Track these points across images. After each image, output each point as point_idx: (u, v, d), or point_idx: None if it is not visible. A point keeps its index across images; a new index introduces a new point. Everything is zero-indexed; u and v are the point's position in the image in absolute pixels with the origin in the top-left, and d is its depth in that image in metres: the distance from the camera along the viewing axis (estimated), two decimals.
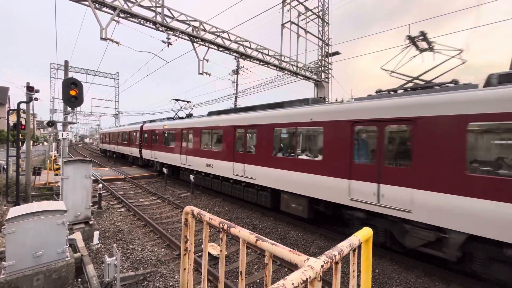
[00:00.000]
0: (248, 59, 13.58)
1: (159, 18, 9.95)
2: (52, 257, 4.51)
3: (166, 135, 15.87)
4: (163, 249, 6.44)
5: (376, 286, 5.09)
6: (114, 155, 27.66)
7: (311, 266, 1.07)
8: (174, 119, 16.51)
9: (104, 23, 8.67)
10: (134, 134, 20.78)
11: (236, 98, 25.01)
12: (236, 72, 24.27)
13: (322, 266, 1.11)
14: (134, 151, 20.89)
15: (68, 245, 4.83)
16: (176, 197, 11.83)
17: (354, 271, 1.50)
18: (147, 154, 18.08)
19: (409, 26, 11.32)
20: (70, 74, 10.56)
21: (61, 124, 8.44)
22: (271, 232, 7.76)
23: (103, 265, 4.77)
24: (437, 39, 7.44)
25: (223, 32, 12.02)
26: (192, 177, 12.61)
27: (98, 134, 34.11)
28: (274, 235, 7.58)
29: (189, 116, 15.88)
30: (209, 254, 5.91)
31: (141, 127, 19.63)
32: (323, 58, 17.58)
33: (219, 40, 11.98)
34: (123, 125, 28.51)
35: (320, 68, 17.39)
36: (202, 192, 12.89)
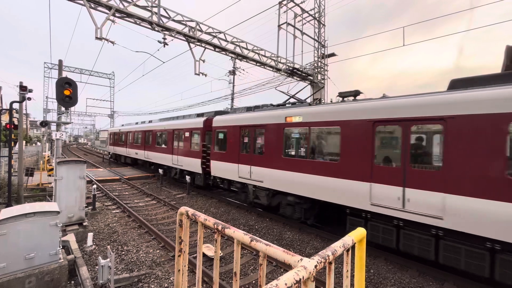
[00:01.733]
0: (245, 60, 13.59)
1: (155, 18, 9.90)
2: (44, 259, 4.45)
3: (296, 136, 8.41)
4: (158, 251, 6.39)
5: (371, 286, 5.12)
6: (139, 164, 20.86)
7: (304, 266, 1.08)
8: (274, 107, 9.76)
9: (99, 22, 8.60)
10: (188, 134, 13.15)
11: (232, 99, 24.99)
12: (233, 72, 24.26)
13: (316, 266, 1.12)
14: (187, 163, 13.04)
15: (61, 247, 4.77)
16: (172, 198, 11.76)
17: (347, 271, 1.51)
18: (235, 170, 10.00)
19: (404, 28, 11.48)
20: (64, 74, 10.43)
21: (55, 124, 8.34)
22: (267, 233, 7.76)
23: (97, 267, 4.71)
24: (432, 42, 7.54)
25: (220, 32, 12.02)
26: (187, 177, 12.54)
27: (108, 133, 28.47)
28: (270, 236, 7.58)
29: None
30: (204, 255, 5.89)
31: (207, 120, 12.16)
32: (319, 60, 17.69)
33: (215, 41, 11.97)
34: (151, 122, 19.27)
35: (316, 70, 17.49)
36: (198, 193, 12.83)
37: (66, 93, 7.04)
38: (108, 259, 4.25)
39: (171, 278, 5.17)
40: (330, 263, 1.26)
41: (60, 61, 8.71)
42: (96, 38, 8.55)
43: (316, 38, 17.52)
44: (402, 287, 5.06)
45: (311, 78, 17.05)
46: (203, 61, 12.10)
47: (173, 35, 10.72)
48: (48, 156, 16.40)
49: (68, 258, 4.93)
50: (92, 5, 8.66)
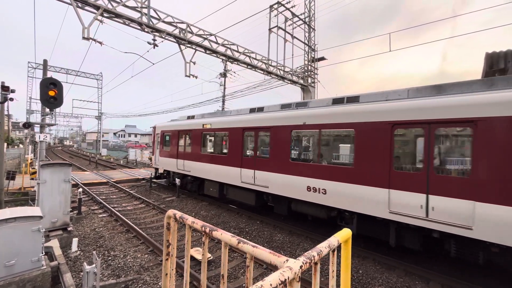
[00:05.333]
0: (236, 62, 13.63)
1: (144, 19, 9.80)
2: (26, 266, 4.28)
3: None
4: (146, 255, 6.26)
5: (360, 286, 5.20)
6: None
7: (290, 267, 1.09)
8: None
9: (87, 22, 8.43)
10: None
11: (223, 101, 24.94)
12: (224, 75, 24.25)
13: (301, 267, 1.13)
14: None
15: (44, 253, 4.61)
16: (161, 201, 11.57)
17: (333, 271, 1.54)
18: None
19: (390, 35, 11.84)
20: (49, 74, 10.14)
21: (39, 125, 8.07)
22: (257, 236, 7.75)
23: (82, 273, 4.57)
24: (417, 47, 7.83)
25: (210, 35, 12.01)
26: (177, 180, 12.38)
27: (153, 133, 15.80)
28: (260, 238, 7.58)
29: None
30: (194, 258, 5.82)
31: None
32: (310, 63, 17.95)
33: (206, 43, 11.95)
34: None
35: (306, 73, 17.73)
36: (188, 196, 12.68)
37: (51, 94, 6.84)
38: (94, 265, 4.13)
39: (160, 283, 5.08)
40: (315, 263, 1.28)
41: (45, 61, 8.46)
42: (83, 38, 8.37)
43: (306, 42, 17.80)
44: (390, 286, 5.16)
45: (302, 82, 17.27)
46: (194, 63, 12.05)
47: (163, 36, 10.63)
48: (31, 159, 15.81)
49: (51, 265, 4.76)
50: (79, 5, 8.49)
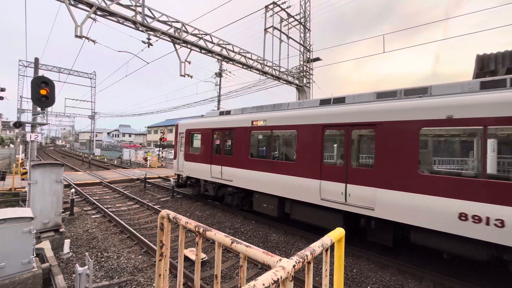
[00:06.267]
0: (231, 62, 13.61)
1: (139, 18, 9.71)
2: (16, 268, 4.19)
3: None
4: (140, 256, 6.20)
5: (354, 285, 5.25)
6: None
7: (282, 266, 1.10)
8: None
9: (80, 20, 8.31)
10: None
11: (219, 101, 24.88)
12: (219, 75, 24.19)
13: (294, 266, 1.14)
14: None
15: (35, 255, 4.52)
16: (156, 202, 11.47)
17: (326, 270, 1.55)
18: None
19: (384, 36, 11.98)
20: (41, 72, 9.96)
21: (30, 125, 7.93)
22: (252, 236, 7.75)
23: (74, 275, 4.51)
24: (411, 49, 7.92)
25: (206, 34, 11.97)
26: (172, 180, 12.30)
27: (175, 132, 12.75)
28: (255, 238, 7.58)
29: None
30: (189, 259, 5.79)
31: None
32: (305, 64, 18.04)
33: (201, 43, 11.91)
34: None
35: (301, 73, 17.81)
36: (183, 196, 12.61)
37: (43, 93, 6.72)
38: (86, 267, 4.07)
39: (154, 284, 5.03)
40: (308, 262, 1.29)
41: (36, 59, 8.31)
42: (76, 36, 8.25)
43: (301, 42, 17.88)
44: (383, 285, 5.22)
45: (297, 82, 17.34)
46: (189, 62, 11.99)
47: (158, 35, 10.55)
48: (22, 159, 15.50)
49: (43, 267, 4.68)
50: (72, 2, 8.36)
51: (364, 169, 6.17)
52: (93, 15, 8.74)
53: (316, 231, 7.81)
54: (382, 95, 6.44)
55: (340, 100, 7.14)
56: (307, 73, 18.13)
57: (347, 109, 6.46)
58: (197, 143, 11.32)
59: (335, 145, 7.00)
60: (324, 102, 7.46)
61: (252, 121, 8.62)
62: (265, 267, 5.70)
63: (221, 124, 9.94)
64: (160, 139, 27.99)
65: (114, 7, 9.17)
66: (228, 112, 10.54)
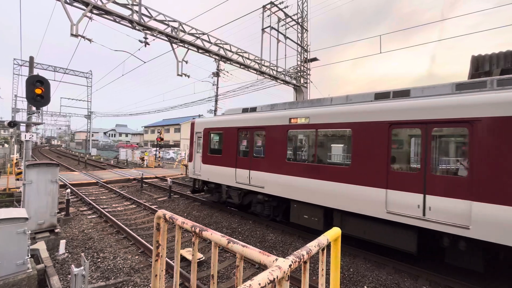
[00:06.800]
0: (229, 62, 13.58)
1: (135, 17, 9.64)
2: (10, 269, 4.14)
3: None
4: (137, 257, 6.16)
5: (351, 284, 5.27)
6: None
7: (279, 266, 1.10)
8: None
9: (75, 18, 8.23)
10: None
11: (216, 101, 24.83)
12: (217, 74, 24.14)
13: (290, 266, 1.14)
14: None
15: (29, 256, 4.47)
16: (153, 202, 11.42)
17: (323, 269, 1.55)
18: None
19: (380, 37, 12.04)
20: (36, 71, 9.85)
21: (24, 124, 7.83)
22: (250, 235, 7.75)
23: (70, 276, 4.46)
24: (407, 49, 7.96)
25: (203, 34, 11.93)
26: (169, 180, 12.25)
27: (191, 131, 11.41)
28: (253, 238, 7.58)
29: None
30: (186, 259, 5.77)
31: None
32: (302, 64, 18.07)
33: (198, 42, 11.87)
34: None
35: (299, 73, 17.85)
36: (180, 196, 12.56)
37: (38, 92, 6.65)
38: (82, 267, 4.03)
39: (150, 285, 5.01)
40: (305, 262, 1.29)
41: (31, 58, 8.21)
42: (72, 35, 8.17)
43: (299, 42, 17.91)
44: (380, 284, 5.25)
45: (294, 82, 17.37)
46: (186, 62, 11.94)
47: (154, 34, 10.49)
48: (16, 159, 15.32)
49: (38, 268, 4.63)
50: (68, 0, 8.28)
51: (452, 176, 5.04)
52: (89, 14, 8.66)
53: (314, 231, 7.83)
54: (464, 86, 5.44)
55: (403, 94, 6.09)
56: (305, 73, 18.16)
57: (425, 104, 5.32)
58: (218, 143, 10.14)
59: (407, 147, 5.78)
60: (382, 95, 6.42)
61: (290, 119, 7.51)
62: (263, 267, 5.69)
63: (249, 122, 8.71)
64: (161, 139, 27.83)
65: (111, 6, 9.09)
66: (253, 109, 9.46)
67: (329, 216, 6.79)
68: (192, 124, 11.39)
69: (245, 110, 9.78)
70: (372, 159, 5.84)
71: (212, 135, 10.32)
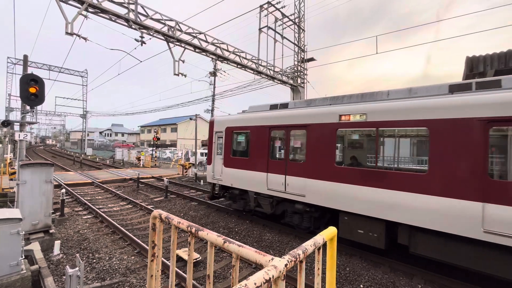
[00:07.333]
0: (226, 61, 13.55)
1: (132, 16, 9.57)
2: (3, 270, 4.08)
3: None
4: (133, 257, 6.12)
5: (347, 283, 5.30)
6: None
7: (274, 265, 1.10)
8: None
9: (70, 16, 8.14)
10: None
11: (213, 100, 24.77)
12: (214, 74, 24.07)
13: (286, 265, 1.14)
14: None
15: (23, 257, 4.41)
16: (149, 202, 11.35)
17: (319, 269, 1.56)
18: None
19: (377, 37, 12.12)
20: (30, 70, 9.73)
21: (18, 124, 7.73)
22: (247, 235, 7.74)
23: (64, 277, 4.42)
24: (403, 50, 7.95)
25: (200, 33, 11.89)
26: (166, 180, 12.19)
27: (209, 130, 10.24)
28: (250, 238, 7.58)
29: None
30: (183, 259, 5.75)
31: None
32: (299, 64, 18.11)
33: (195, 41, 11.82)
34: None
35: (296, 73, 17.88)
36: (177, 196, 12.51)
37: (32, 91, 6.57)
38: (77, 268, 4.00)
39: (146, 285, 4.98)
40: (301, 261, 1.29)
41: (25, 56, 8.11)
42: (67, 33, 8.08)
43: (296, 42, 17.94)
44: (376, 283, 5.29)
45: (291, 82, 17.40)
46: (183, 61, 11.89)
47: (151, 33, 10.43)
48: (10, 159, 15.11)
49: (32, 269, 4.57)
50: None
51: None
52: (84, 12, 8.58)
53: (311, 230, 7.85)
54: None
55: (492, 84, 5.00)
56: (302, 73, 18.21)
57: None
58: (244, 144, 9.06)
59: None
60: (460, 87, 5.32)
61: (341, 116, 6.41)
62: (260, 267, 5.70)
63: (284, 120, 7.64)
64: (158, 139, 27.68)
65: (106, 4, 9.01)
66: (284, 105, 8.34)
67: (393, 232, 5.76)
68: (211, 123, 10.23)
69: (273, 107, 8.72)
70: (461, 164, 4.74)
71: (236, 134, 9.22)
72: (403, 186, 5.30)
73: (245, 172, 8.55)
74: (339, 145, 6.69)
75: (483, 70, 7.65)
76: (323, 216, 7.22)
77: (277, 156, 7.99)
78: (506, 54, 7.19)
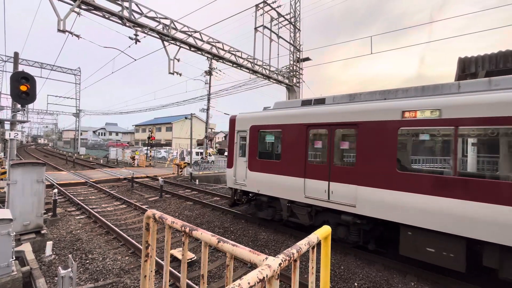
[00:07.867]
0: (221, 60, 13.50)
1: (126, 13, 9.45)
2: None
3: None
4: (127, 257, 6.06)
5: (342, 281, 5.35)
6: None
7: (268, 265, 1.10)
8: None
9: (63, 13, 8.00)
10: None
11: (208, 100, 24.66)
12: (209, 73, 23.96)
13: (280, 264, 1.14)
14: None
15: (14, 258, 4.32)
16: (144, 202, 11.25)
17: (313, 268, 1.57)
18: None
19: (371, 38, 12.22)
20: (21, 68, 9.53)
21: (9, 122, 7.57)
22: (242, 235, 7.74)
23: (56, 278, 4.35)
24: (397, 51, 7.98)
25: (195, 32, 11.82)
26: (160, 179, 12.10)
27: (230, 130, 9.30)
28: (245, 237, 7.58)
29: None
30: (178, 259, 5.72)
31: None
32: (295, 63, 18.15)
33: (191, 40, 11.74)
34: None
35: (291, 73, 17.92)
36: (172, 196, 12.43)
37: (23, 89, 6.44)
38: (70, 269, 3.93)
39: (140, 286, 4.94)
40: (295, 260, 1.30)
41: (16, 54, 7.94)
42: (59, 30, 7.94)
43: (291, 42, 17.97)
44: (370, 281, 5.35)
45: (287, 81, 17.43)
46: (178, 60, 11.80)
47: (145, 32, 10.32)
48: (0, 158, 14.80)
49: (23, 270, 4.49)
50: None
51: None
52: (77, 9, 8.43)
53: (306, 229, 7.88)
54: None
55: None
56: (297, 73, 18.25)
57: None
58: (273, 145, 8.16)
59: None
60: None
61: (404, 112, 5.35)
62: (255, 266, 5.71)
63: (326, 117, 6.57)
64: (149, 137, 27.42)
65: (100, 1, 8.89)
66: (320, 101, 7.29)
67: (474, 252, 5.06)
68: (232, 121, 9.14)
69: (306, 103, 7.66)
70: None
71: (263, 134, 8.25)
72: (494, 198, 4.31)
73: (276, 177, 7.53)
74: (400, 146, 5.53)
75: (475, 71, 7.79)
76: (375, 229, 6.23)
77: (317, 159, 6.93)
78: (497, 55, 7.33)
